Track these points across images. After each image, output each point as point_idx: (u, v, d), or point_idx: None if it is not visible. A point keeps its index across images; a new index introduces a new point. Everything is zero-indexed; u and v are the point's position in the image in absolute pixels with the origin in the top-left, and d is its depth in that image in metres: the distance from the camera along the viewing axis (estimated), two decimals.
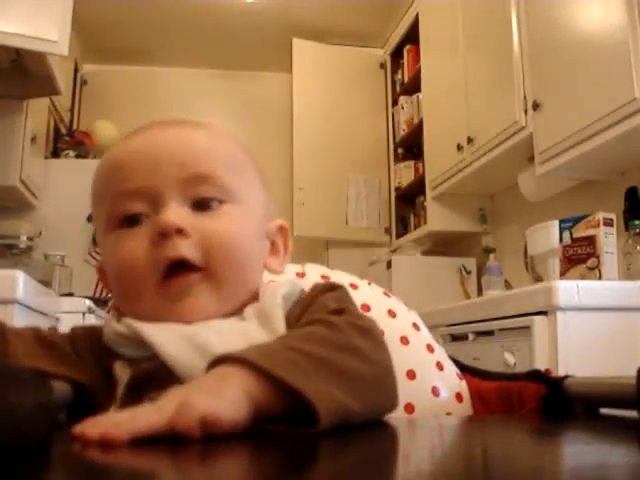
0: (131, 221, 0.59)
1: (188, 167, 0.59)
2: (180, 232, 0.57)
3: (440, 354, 0.87)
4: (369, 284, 0.92)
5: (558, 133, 2.15)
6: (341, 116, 3.90)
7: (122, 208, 0.59)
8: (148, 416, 0.39)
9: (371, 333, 0.55)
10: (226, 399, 0.41)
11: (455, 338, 2.29)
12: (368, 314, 0.86)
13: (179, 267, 0.57)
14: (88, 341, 0.61)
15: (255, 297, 0.61)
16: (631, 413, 0.54)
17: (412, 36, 3.63)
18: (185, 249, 0.57)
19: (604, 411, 0.61)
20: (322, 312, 0.56)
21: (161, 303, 0.57)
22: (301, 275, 0.88)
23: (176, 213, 0.57)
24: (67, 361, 0.59)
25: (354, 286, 0.90)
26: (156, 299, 0.57)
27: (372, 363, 0.51)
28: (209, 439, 0.39)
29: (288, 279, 0.71)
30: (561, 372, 0.70)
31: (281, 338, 0.52)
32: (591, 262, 1.97)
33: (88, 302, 2.40)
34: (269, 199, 0.68)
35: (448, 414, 0.80)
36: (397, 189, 3.87)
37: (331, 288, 0.62)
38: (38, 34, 2.29)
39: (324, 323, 0.53)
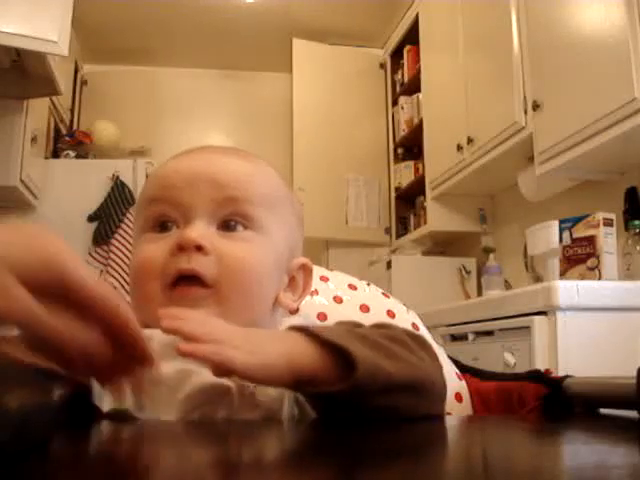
0: (162, 226, 0.63)
1: (223, 189, 0.62)
2: (199, 249, 0.60)
3: (439, 354, 0.87)
4: (368, 285, 0.92)
5: (558, 133, 2.15)
6: (341, 116, 3.89)
7: (156, 213, 0.63)
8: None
9: (425, 343, 0.60)
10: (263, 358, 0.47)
11: (455, 338, 2.30)
12: (367, 314, 0.86)
13: (189, 279, 0.60)
14: None
15: (257, 327, 0.63)
16: (631, 413, 0.54)
17: (412, 36, 3.63)
18: (198, 264, 0.60)
19: (604, 411, 0.61)
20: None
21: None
22: None
23: (200, 230, 0.60)
24: None
25: (353, 287, 0.90)
26: (162, 303, 0.59)
27: (420, 357, 0.56)
28: (213, 440, 0.39)
29: (303, 316, 0.73)
30: (561, 372, 0.70)
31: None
32: (591, 262, 1.97)
33: None
34: (299, 239, 0.71)
35: (448, 414, 0.80)
36: (397, 189, 3.87)
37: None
38: (38, 34, 2.28)
39: (383, 326, 0.59)
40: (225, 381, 0.55)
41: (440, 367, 0.59)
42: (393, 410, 0.52)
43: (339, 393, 0.48)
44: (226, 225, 0.62)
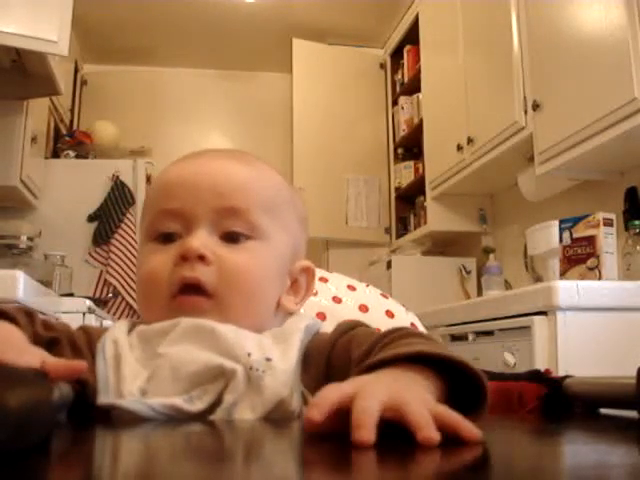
0: (166, 238, 0.64)
1: (224, 199, 0.63)
2: (201, 258, 0.61)
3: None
4: (367, 286, 0.92)
5: (558, 133, 2.15)
6: (341, 116, 3.89)
7: (160, 225, 0.64)
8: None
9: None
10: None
11: (455, 338, 2.29)
12: (367, 315, 0.86)
13: (192, 289, 0.61)
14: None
15: (260, 330, 0.63)
16: (631, 413, 0.54)
17: (412, 36, 3.63)
18: (201, 274, 0.61)
19: (604, 411, 0.61)
20: (371, 338, 0.58)
21: (169, 316, 0.61)
22: None
23: (202, 240, 0.61)
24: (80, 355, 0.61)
25: (352, 288, 0.90)
26: (166, 311, 0.61)
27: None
28: (216, 440, 0.39)
29: (310, 316, 0.73)
30: (561, 372, 0.70)
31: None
32: (591, 262, 1.97)
33: (88, 302, 2.40)
34: (302, 239, 0.71)
35: None
36: (397, 189, 3.87)
37: (359, 325, 0.65)
38: (38, 34, 2.28)
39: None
40: (232, 364, 0.55)
41: None
42: None
43: None
44: (229, 237, 0.63)
